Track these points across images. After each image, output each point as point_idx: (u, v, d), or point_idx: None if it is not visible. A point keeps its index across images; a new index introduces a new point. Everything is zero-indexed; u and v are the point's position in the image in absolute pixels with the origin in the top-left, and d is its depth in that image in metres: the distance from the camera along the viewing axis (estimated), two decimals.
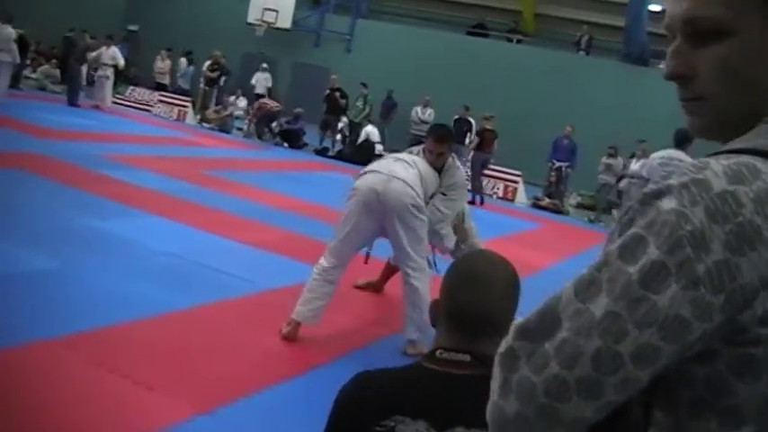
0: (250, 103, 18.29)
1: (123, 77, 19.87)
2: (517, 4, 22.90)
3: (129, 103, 19.16)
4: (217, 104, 18.49)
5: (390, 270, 5.82)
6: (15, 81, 16.07)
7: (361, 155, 15.28)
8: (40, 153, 9.27)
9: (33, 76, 19.20)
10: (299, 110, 16.76)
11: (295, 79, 22.11)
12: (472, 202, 12.01)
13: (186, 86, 19.90)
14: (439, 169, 5.05)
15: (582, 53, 20.29)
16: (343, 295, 5.04)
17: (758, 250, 0.74)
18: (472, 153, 13.97)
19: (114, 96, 17.82)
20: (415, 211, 4.56)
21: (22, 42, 15.66)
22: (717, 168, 0.77)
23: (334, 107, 16.82)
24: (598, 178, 14.02)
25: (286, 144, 16.38)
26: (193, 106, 18.62)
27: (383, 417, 1.41)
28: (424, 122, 16.93)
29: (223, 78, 18.68)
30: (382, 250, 5.45)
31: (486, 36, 22.09)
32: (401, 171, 4.63)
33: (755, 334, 0.75)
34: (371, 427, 1.41)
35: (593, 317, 0.76)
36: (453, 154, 5.34)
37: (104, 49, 16.75)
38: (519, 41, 21.70)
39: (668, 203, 0.76)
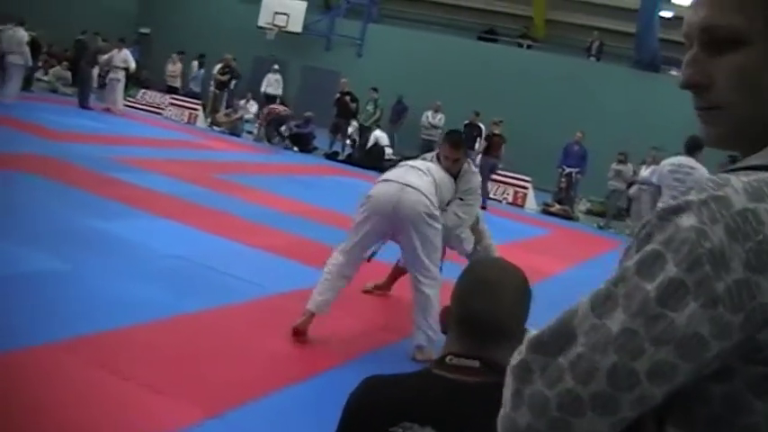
0: (261, 107, 18.33)
1: (134, 80, 19.97)
2: (528, 9, 22.89)
3: (140, 106, 19.22)
4: (227, 108, 18.53)
5: (399, 271, 5.82)
6: (27, 83, 16.14)
7: (371, 159, 15.31)
8: (50, 155, 9.30)
9: (45, 78, 19.29)
10: (309, 113, 16.77)
11: (305, 83, 22.14)
12: (484, 207, 11.98)
13: (197, 90, 19.96)
14: (455, 175, 5.07)
15: (593, 59, 20.24)
16: (351, 299, 5.04)
17: None
18: (480, 157, 13.97)
19: (125, 99, 17.87)
20: (430, 219, 4.58)
21: (34, 45, 15.77)
22: (737, 185, 0.76)
23: (345, 111, 16.81)
24: (608, 184, 13.97)
25: (296, 148, 16.38)
26: (204, 109, 18.67)
27: (392, 423, 1.41)
28: (434, 127, 16.95)
29: (234, 82, 18.72)
30: (386, 254, 5.44)
31: (496, 42, 22.11)
32: (415, 179, 4.64)
33: None
34: None
35: (609, 333, 0.76)
36: (469, 159, 5.36)
37: (116, 51, 16.79)
38: (529, 47, 21.68)
39: (687, 220, 0.76)
